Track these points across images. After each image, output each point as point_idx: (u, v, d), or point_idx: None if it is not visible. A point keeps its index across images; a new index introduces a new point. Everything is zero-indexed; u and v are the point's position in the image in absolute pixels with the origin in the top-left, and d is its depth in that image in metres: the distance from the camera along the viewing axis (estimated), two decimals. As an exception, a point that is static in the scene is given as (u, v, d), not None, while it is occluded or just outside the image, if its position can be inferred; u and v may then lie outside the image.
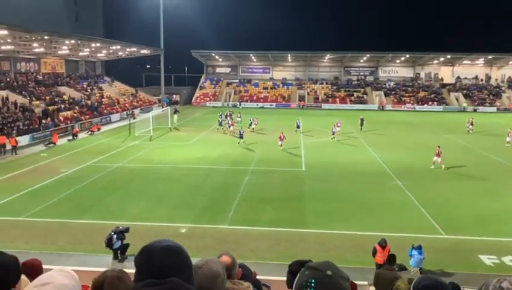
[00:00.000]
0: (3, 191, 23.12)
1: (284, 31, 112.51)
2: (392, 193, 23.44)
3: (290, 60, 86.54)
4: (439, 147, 29.94)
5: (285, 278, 2.61)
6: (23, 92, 50.02)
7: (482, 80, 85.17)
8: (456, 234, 17.75)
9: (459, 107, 74.76)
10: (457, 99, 77.66)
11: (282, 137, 36.27)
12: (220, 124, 46.44)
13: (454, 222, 19.12)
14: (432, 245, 16.07)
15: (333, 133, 41.05)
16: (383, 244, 14.02)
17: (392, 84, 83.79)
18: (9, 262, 2.30)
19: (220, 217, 19.50)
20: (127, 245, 15.30)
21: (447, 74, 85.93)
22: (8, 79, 51.87)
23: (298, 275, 2.03)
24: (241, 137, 38.04)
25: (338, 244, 16.64)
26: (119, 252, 15.15)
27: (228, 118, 47.22)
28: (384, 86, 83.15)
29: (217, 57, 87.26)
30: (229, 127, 44.69)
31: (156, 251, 2.07)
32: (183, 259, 2.11)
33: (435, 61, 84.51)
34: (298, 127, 45.44)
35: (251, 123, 46.23)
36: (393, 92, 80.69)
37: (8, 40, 43.83)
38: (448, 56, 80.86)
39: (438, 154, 29.11)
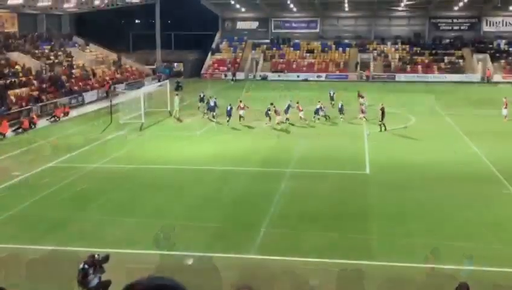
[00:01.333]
0: None
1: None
2: (504, 208, 23.07)
3: (347, 9, 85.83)
4: None
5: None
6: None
7: None
8: None
9: None
10: None
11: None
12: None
13: None
14: None
15: None
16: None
17: (503, 43, 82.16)
18: None
19: (243, 243, 19.51)
20: (108, 283, 15.47)
21: None
22: None
23: None
24: (229, 115, 41.81)
25: (421, 282, 16.43)
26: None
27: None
28: (490, 46, 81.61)
29: (238, 6, 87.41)
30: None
31: None
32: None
33: None
34: (332, 99, 49.92)
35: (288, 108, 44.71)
36: (504, 56, 79.16)
37: None
38: None
39: None
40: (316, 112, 43.34)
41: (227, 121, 41.99)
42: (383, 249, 18.96)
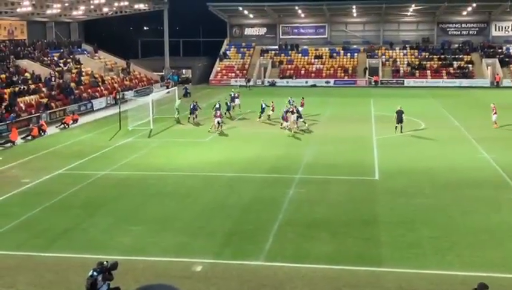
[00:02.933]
0: None
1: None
2: (513, 213, 22.91)
3: (355, 14, 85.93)
4: None
5: None
6: (-32, 69, 51.75)
7: None
8: None
9: None
10: None
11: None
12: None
13: None
14: None
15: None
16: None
17: (511, 47, 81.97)
18: None
19: (252, 250, 19.48)
20: (116, 290, 15.49)
21: None
22: None
23: None
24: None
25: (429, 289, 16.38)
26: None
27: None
28: (499, 50, 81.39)
29: (246, 12, 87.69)
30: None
31: None
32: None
33: None
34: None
35: (263, 109, 46.96)
36: (514, 60, 79.05)
37: None
38: None
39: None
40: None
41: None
42: (392, 255, 18.89)
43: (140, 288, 2.14)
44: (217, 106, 45.28)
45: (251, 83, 77.78)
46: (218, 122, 41.63)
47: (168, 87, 69.06)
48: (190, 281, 17.11)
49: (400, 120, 40.12)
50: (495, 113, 42.81)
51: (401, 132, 39.73)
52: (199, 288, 16.61)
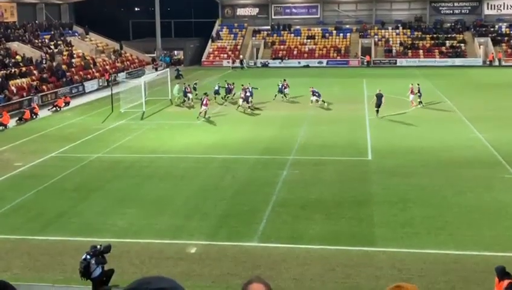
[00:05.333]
0: None
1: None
2: (506, 192, 23.04)
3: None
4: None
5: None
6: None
7: None
8: None
9: None
10: None
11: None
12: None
13: None
14: None
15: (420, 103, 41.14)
16: (499, 273, 13.76)
17: (504, 26, 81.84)
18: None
19: (246, 231, 19.59)
20: (111, 272, 15.57)
21: None
22: None
23: None
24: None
25: (423, 269, 16.51)
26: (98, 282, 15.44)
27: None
28: (492, 29, 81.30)
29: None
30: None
31: None
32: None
33: None
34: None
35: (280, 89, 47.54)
36: (506, 39, 78.94)
37: None
38: None
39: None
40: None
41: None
42: (385, 235, 19.01)
43: (139, 281, 2.15)
44: (216, 88, 45.91)
45: (245, 64, 77.32)
46: (205, 111, 40.08)
47: (156, 70, 68.80)
48: (184, 263, 17.21)
49: (378, 104, 39.23)
50: (411, 93, 42.97)
51: (377, 115, 39.00)
52: (193, 269, 16.70)
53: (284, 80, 47.88)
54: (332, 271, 16.54)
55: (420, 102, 42.08)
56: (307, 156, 29.53)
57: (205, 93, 41.78)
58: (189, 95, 46.36)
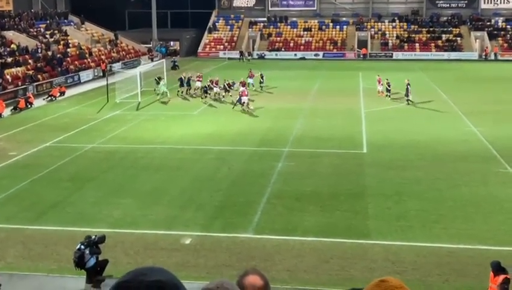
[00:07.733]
0: None
1: None
2: (500, 187, 23.10)
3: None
4: None
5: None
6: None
7: None
8: None
9: None
10: None
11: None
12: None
13: None
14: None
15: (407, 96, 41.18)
16: (494, 268, 13.81)
17: (500, 20, 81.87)
18: None
19: (241, 222, 19.62)
20: (105, 262, 15.57)
21: None
22: None
23: None
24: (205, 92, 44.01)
25: (417, 262, 16.56)
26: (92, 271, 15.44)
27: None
28: (488, 23, 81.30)
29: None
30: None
31: None
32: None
33: None
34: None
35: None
36: (502, 33, 78.97)
37: None
38: None
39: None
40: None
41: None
42: (380, 228, 19.06)
43: (133, 271, 2.13)
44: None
45: (235, 56, 76.56)
46: (244, 102, 39.38)
47: (152, 60, 68.60)
48: (179, 254, 17.23)
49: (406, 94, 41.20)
50: (380, 83, 45.18)
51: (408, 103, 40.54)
52: (188, 261, 16.72)
53: (250, 70, 50.19)
54: (327, 263, 16.58)
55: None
56: (302, 148, 29.55)
57: (241, 83, 43.35)
58: (198, 83, 46.39)
